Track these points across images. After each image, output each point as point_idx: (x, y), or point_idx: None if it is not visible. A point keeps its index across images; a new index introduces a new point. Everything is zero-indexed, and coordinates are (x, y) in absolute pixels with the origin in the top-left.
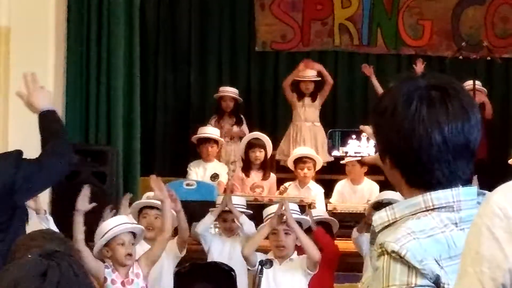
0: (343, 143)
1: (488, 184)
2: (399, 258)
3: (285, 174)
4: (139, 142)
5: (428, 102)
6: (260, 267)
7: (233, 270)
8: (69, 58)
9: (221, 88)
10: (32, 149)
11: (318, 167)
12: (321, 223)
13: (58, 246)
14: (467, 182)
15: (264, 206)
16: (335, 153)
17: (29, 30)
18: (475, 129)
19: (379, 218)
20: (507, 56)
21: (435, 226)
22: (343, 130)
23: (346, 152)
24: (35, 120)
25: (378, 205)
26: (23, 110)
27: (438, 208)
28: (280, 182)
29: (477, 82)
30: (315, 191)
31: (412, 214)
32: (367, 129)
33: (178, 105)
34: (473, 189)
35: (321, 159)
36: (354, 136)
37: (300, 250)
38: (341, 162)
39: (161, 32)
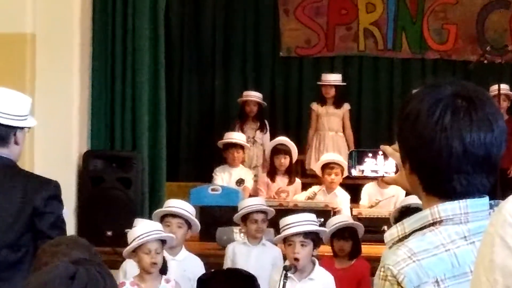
0: (360, 162)
1: None
2: (396, 283)
3: (310, 179)
4: (165, 148)
5: (452, 111)
6: (284, 272)
7: (254, 277)
8: (94, 64)
9: (245, 93)
10: (56, 153)
11: (345, 173)
12: (346, 228)
13: (82, 253)
14: (486, 195)
15: (289, 211)
16: (353, 172)
17: (54, 36)
18: (498, 141)
19: (390, 234)
20: None
21: (440, 244)
22: (361, 150)
23: (363, 171)
24: (61, 126)
25: (406, 210)
26: (49, 117)
27: (446, 220)
28: (305, 187)
29: (505, 86)
30: (341, 197)
31: (421, 228)
32: (388, 149)
33: (202, 110)
34: (483, 200)
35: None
36: (370, 155)
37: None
38: None
39: (185, 38)
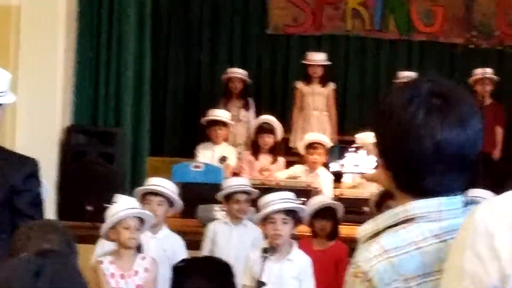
0: (341, 156)
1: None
2: (367, 280)
3: (294, 157)
4: (148, 123)
5: (426, 109)
6: (263, 254)
7: (230, 264)
8: (79, 38)
9: (229, 70)
10: (39, 127)
11: (329, 154)
12: (328, 208)
13: (59, 237)
14: (461, 192)
15: (271, 190)
16: (334, 166)
17: (39, 10)
18: (472, 141)
19: (363, 230)
20: None
21: (412, 241)
22: (342, 146)
23: (343, 165)
24: (44, 100)
25: (385, 194)
26: (32, 91)
27: (419, 217)
28: (289, 165)
29: (490, 70)
30: (323, 177)
31: (394, 225)
32: (369, 146)
33: (188, 86)
34: (456, 198)
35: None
36: (351, 150)
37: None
38: (353, 146)
39: (173, 13)
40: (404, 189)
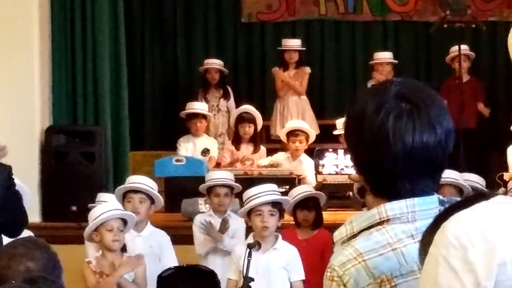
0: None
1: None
2: (342, 284)
3: (276, 144)
4: (128, 118)
5: (395, 114)
6: (248, 250)
7: (214, 272)
8: (54, 38)
9: (206, 61)
10: (18, 129)
11: (311, 140)
12: (310, 198)
13: (43, 255)
14: (434, 192)
15: (253, 180)
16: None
17: (12, 11)
18: (443, 144)
19: (339, 233)
20: (493, 19)
21: (386, 243)
22: (321, 149)
23: (323, 165)
24: (22, 102)
25: None
26: (10, 93)
27: (393, 219)
28: (270, 153)
29: (465, 47)
30: (306, 165)
31: (368, 228)
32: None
33: (165, 78)
34: (430, 198)
35: (314, 133)
36: (331, 150)
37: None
38: (334, 132)
39: (146, 7)
40: (377, 192)
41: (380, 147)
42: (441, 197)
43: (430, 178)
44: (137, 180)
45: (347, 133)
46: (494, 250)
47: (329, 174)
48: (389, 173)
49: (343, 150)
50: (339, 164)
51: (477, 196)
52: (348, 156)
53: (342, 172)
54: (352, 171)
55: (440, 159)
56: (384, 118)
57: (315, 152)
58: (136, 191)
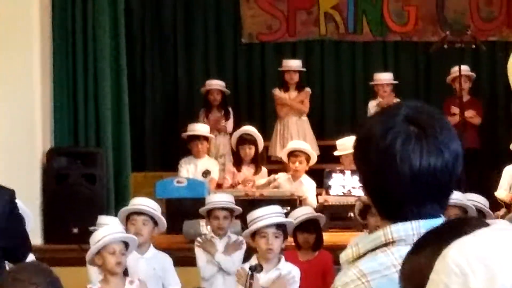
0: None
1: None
2: None
3: (277, 165)
4: (129, 142)
5: (403, 137)
6: (250, 272)
7: None
8: (55, 61)
9: (207, 82)
10: (20, 151)
11: (312, 161)
12: (310, 220)
13: (45, 280)
14: (440, 215)
15: (254, 202)
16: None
17: (12, 35)
18: (450, 167)
19: (345, 255)
20: (493, 39)
21: (391, 264)
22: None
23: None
24: (23, 124)
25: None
26: (11, 116)
27: (398, 241)
28: (270, 174)
29: (465, 68)
30: (307, 186)
31: (374, 249)
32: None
33: (166, 99)
34: (436, 220)
35: (315, 154)
36: (338, 171)
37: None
38: (334, 153)
39: (146, 28)
40: (384, 215)
41: (387, 169)
42: (446, 219)
43: (437, 202)
44: (140, 202)
45: (355, 155)
46: (495, 277)
47: (337, 195)
48: (396, 196)
49: (350, 171)
50: (346, 185)
51: (457, 222)
52: (356, 177)
53: (350, 194)
54: (360, 192)
55: (447, 183)
56: (392, 141)
57: (324, 173)
58: (139, 213)
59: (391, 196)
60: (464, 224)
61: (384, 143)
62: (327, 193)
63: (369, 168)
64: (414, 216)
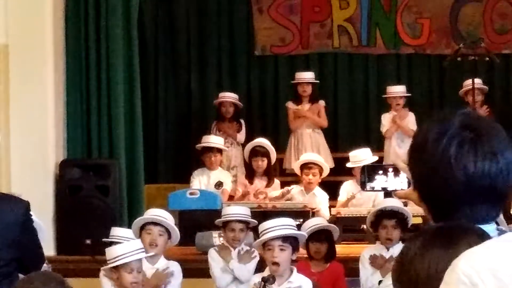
0: (370, 178)
1: None
2: None
3: (291, 177)
4: (142, 151)
5: (458, 142)
6: (263, 283)
7: None
8: (68, 73)
9: (221, 94)
10: (33, 163)
11: (325, 174)
12: (322, 230)
13: None
14: (494, 221)
15: (267, 213)
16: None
17: (27, 47)
18: (505, 173)
19: None
20: (507, 52)
21: None
22: (372, 165)
23: (373, 187)
24: (37, 136)
25: (381, 214)
26: (24, 127)
27: None
28: (284, 186)
29: (478, 81)
30: (320, 197)
31: None
32: (400, 164)
33: (179, 112)
34: (488, 227)
35: (327, 166)
36: (381, 172)
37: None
38: (347, 165)
39: (160, 41)
40: (439, 220)
41: (442, 172)
42: (499, 227)
43: (491, 206)
44: (157, 213)
45: (410, 163)
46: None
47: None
48: (449, 199)
49: (393, 172)
50: (388, 187)
51: (440, 229)
52: (398, 178)
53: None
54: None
55: (501, 188)
56: (446, 144)
57: (362, 168)
58: (155, 223)
59: (446, 199)
60: (443, 231)
61: (439, 147)
62: (363, 189)
63: (424, 173)
64: (467, 218)
